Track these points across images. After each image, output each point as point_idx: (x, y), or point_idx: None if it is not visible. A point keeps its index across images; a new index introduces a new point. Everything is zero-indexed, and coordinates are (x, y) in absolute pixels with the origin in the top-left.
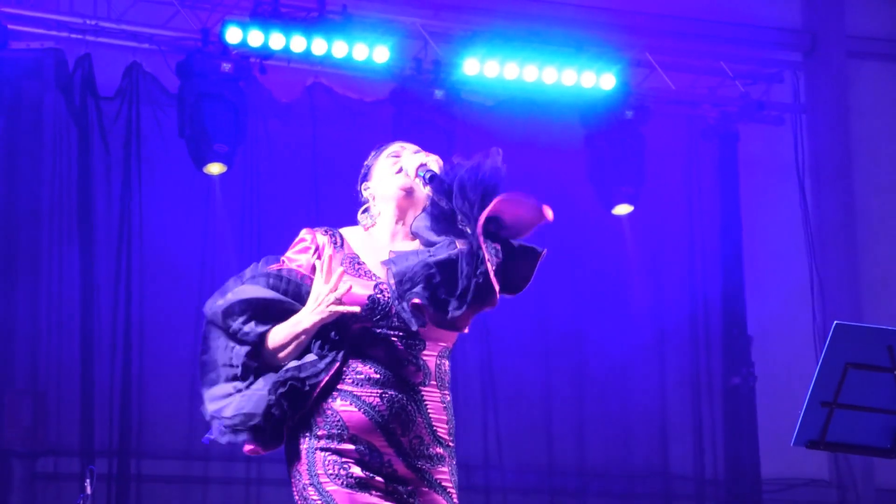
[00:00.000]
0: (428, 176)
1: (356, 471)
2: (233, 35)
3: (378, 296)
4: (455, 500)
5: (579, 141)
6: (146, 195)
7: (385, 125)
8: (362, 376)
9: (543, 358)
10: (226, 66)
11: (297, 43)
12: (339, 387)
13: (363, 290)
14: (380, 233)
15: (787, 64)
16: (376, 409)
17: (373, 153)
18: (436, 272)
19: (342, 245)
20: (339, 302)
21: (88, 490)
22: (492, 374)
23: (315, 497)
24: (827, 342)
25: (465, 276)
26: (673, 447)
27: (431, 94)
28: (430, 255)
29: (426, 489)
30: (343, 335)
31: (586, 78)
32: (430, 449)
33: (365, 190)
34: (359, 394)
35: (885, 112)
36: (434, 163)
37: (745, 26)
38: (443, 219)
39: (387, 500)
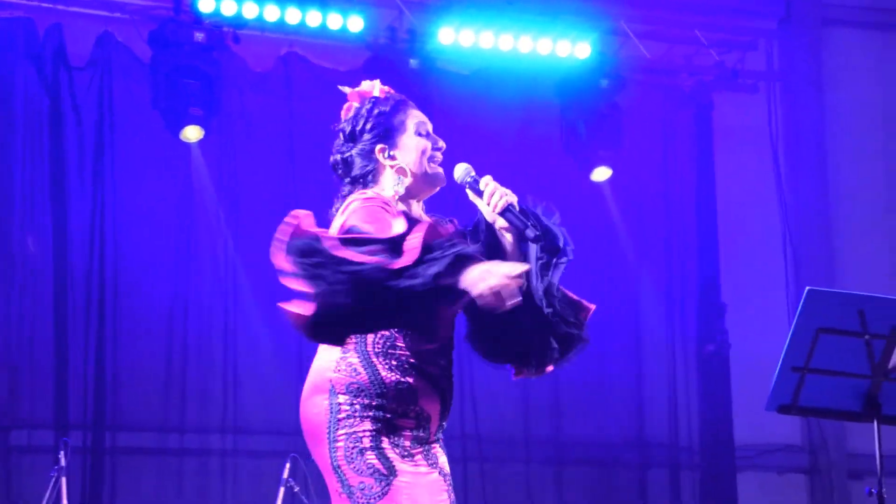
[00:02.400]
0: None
1: (407, 443)
2: (206, 4)
3: None
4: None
5: (555, 110)
6: (119, 166)
7: None
8: (423, 350)
9: None
10: (199, 36)
11: (271, 12)
12: (402, 357)
13: None
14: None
15: (761, 31)
16: (436, 379)
17: (398, 113)
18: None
19: None
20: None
21: (62, 463)
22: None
23: (376, 461)
24: (799, 307)
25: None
26: (648, 415)
27: (406, 64)
28: None
29: (439, 450)
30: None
31: (561, 47)
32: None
33: (381, 152)
34: (423, 367)
35: (859, 79)
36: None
37: None
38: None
39: (426, 466)
